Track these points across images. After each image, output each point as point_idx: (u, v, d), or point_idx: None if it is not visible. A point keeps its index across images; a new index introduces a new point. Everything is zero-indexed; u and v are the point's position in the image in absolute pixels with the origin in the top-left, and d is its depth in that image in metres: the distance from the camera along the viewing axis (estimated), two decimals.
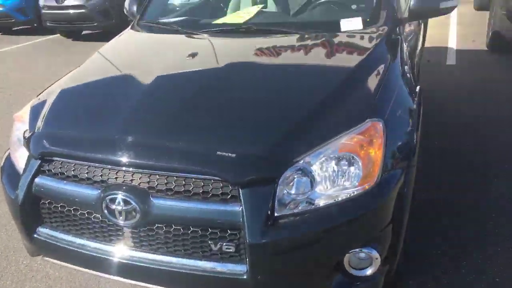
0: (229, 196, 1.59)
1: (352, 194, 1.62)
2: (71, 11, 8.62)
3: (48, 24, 8.97)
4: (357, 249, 1.66)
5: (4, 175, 2.08)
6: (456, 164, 3.39)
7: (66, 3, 8.58)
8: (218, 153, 1.60)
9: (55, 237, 1.91)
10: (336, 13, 2.68)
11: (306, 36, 2.39)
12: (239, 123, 1.77)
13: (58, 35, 9.60)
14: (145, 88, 2.04)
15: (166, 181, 1.65)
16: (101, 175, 1.74)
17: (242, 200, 1.56)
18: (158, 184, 1.66)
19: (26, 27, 10.36)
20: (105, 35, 9.02)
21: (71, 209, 1.84)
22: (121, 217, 1.68)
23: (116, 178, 1.71)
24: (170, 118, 1.82)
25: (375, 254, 1.67)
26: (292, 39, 2.38)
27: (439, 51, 6.58)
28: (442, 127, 4.02)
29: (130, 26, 2.97)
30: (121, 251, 1.78)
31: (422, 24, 3.59)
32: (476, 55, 6.32)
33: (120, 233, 1.77)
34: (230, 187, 1.59)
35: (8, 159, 2.15)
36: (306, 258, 1.62)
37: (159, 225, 1.68)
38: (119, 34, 2.89)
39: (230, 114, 1.84)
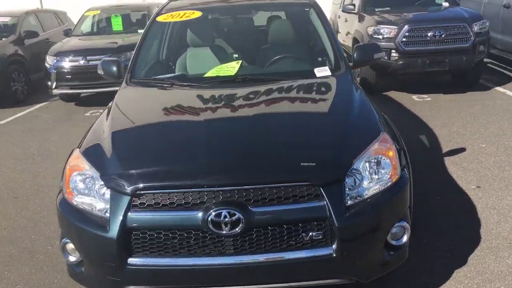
0: (312, 196, 2.12)
1: (387, 185, 2.29)
2: None
3: None
4: (396, 224, 2.31)
5: (77, 220, 2.24)
6: None
7: None
8: (302, 164, 2.14)
9: (148, 264, 2.15)
10: (306, 64, 3.45)
11: (298, 81, 3.08)
12: (308, 142, 2.37)
13: None
14: (204, 127, 2.48)
15: (260, 193, 2.11)
16: (199, 198, 2.10)
17: (325, 197, 2.11)
18: (253, 196, 2.10)
19: None
20: None
21: (168, 233, 2.12)
22: (226, 228, 2.07)
23: (215, 197, 2.10)
24: (246, 145, 2.31)
25: (406, 225, 2.35)
26: (291, 84, 3.04)
27: None
28: None
29: (124, 83, 3.28)
30: (221, 259, 2.13)
31: None
32: None
33: (220, 243, 2.12)
34: (313, 188, 2.12)
35: (68, 206, 2.32)
36: (371, 233, 2.23)
37: (257, 229, 2.11)
38: (120, 89, 3.19)
39: (295, 137, 2.42)
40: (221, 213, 2.06)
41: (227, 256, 2.13)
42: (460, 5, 8.16)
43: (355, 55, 3.39)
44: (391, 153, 2.38)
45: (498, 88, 7.47)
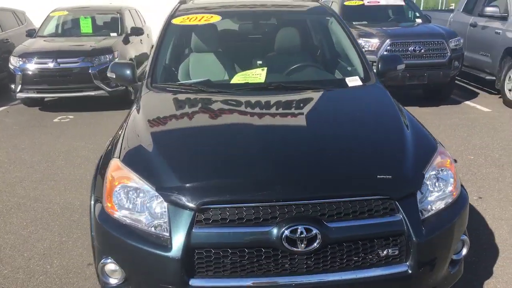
0: (388, 210, 2.03)
1: (450, 199, 2.24)
2: None
3: None
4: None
5: (127, 237, 2.01)
6: None
7: None
8: (379, 176, 2.04)
9: (213, 286, 1.96)
10: (335, 73, 3.38)
11: (334, 91, 3.00)
12: (375, 154, 2.27)
13: None
14: (258, 136, 2.34)
15: (335, 207, 1.98)
16: (270, 213, 1.95)
17: (402, 211, 2.02)
18: (328, 210, 1.98)
19: None
20: None
21: (236, 251, 1.94)
22: (302, 245, 1.92)
23: (289, 212, 1.95)
24: (311, 156, 2.18)
25: (466, 238, 2.32)
26: (329, 93, 2.95)
27: None
28: None
29: (145, 88, 3.03)
30: (294, 279, 1.97)
31: None
32: None
33: (292, 262, 1.97)
34: (388, 202, 2.03)
35: (113, 221, 2.09)
36: (444, 247, 2.16)
37: (332, 246, 1.98)
38: (144, 94, 2.94)
39: (359, 148, 2.31)
40: (297, 229, 1.91)
41: (300, 276, 1.97)
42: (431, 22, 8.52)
43: (379, 65, 3.37)
44: (451, 166, 2.35)
45: (468, 103, 7.83)
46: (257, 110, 2.68)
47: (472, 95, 8.35)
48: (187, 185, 2.02)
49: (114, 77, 3.23)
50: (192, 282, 1.95)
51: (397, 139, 2.40)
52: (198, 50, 3.53)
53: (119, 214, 2.09)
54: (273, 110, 2.69)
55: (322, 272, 1.99)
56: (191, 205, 1.95)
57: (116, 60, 7.40)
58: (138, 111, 2.73)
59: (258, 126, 2.48)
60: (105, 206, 2.14)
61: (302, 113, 2.67)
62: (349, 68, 3.38)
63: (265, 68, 3.22)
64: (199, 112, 2.74)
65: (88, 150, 5.70)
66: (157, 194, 2.02)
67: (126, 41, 8.19)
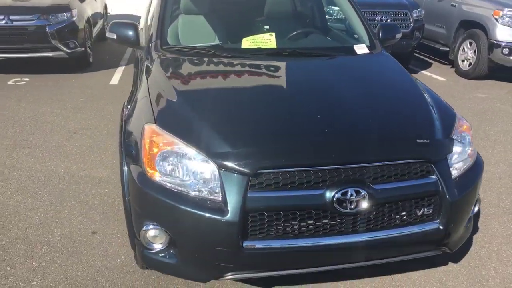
0: (424, 172, 2.17)
1: (468, 161, 2.42)
2: None
3: None
4: None
5: (178, 202, 2.00)
6: None
7: None
8: (418, 141, 2.17)
9: (266, 248, 2.01)
10: (342, 40, 3.43)
11: (348, 57, 3.08)
12: (409, 119, 2.42)
13: None
14: (298, 101, 2.40)
15: (379, 170, 2.09)
16: (321, 176, 2.01)
17: (437, 173, 2.17)
18: (373, 173, 2.08)
19: None
20: None
21: (288, 213, 2.00)
22: (351, 206, 2.02)
23: (338, 175, 2.03)
24: (353, 122, 2.27)
25: (479, 197, 2.54)
26: (345, 60, 3.04)
27: None
28: None
29: (154, 52, 2.91)
30: (341, 238, 2.08)
31: None
32: None
33: (340, 222, 2.07)
34: (425, 165, 2.17)
35: (159, 187, 2.06)
36: (469, 205, 2.36)
37: (376, 206, 2.09)
38: (157, 58, 2.82)
39: (393, 113, 2.44)
40: (347, 191, 2.00)
41: (346, 235, 2.08)
42: None
43: (380, 33, 3.48)
44: (469, 130, 2.53)
45: (425, 72, 8.24)
46: (287, 75, 2.69)
47: (427, 65, 8.78)
48: (241, 150, 2.03)
49: (115, 38, 3.07)
50: (245, 244, 1.99)
51: (424, 106, 2.54)
52: (196, 12, 3.42)
53: (161, 179, 2.06)
54: (302, 76, 2.72)
55: (366, 231, 2.10)
56: (246, 170, 1.96)
57: (75, 18, 6.98)
58: (158, 73, 2.63)
59: (295, 91, 2.50)
60: (146, 171, 2.09)
61: (332, 79, 2.73)
62: (355, 36, 3.46)
63: (273, 34, 3.20)
64: (229, 75, 2.71)
65: (56, 115, 5.39)
66: (206, 159, 2.01)
67: None
